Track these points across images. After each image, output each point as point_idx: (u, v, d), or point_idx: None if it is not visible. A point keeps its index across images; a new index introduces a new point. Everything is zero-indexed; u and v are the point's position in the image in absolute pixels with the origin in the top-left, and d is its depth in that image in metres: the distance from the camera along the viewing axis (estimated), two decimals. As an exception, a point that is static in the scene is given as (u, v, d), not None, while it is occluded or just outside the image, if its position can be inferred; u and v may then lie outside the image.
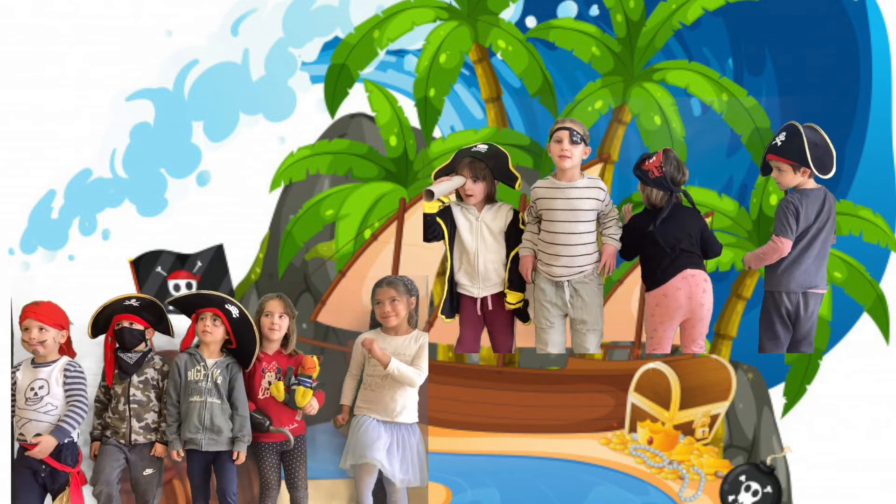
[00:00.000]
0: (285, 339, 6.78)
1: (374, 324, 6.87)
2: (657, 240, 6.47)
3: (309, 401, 6.62)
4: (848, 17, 7.21)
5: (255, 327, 6.67)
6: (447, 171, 6.59)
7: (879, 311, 7.21)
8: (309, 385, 6.64)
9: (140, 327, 6.70)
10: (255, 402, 6.72)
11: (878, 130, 7.22)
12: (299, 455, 6.78)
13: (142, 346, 6.72)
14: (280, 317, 6.73)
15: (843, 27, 7.21)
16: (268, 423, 6.69)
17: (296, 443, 6.75)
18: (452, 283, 6.62)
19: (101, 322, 6.72)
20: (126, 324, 6.67)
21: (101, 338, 6.74)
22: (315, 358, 6.68)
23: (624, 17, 7.29)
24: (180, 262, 7.06)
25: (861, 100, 7.20)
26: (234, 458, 6.60)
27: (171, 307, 6.73)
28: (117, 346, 6.70)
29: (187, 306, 6.71)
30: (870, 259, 7.21)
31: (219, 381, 6.62)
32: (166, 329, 6.78)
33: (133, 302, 6.70)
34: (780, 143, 6.49)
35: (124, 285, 6.95)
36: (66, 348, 6.70)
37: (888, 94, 7.21)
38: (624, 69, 7.29)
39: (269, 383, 6.71)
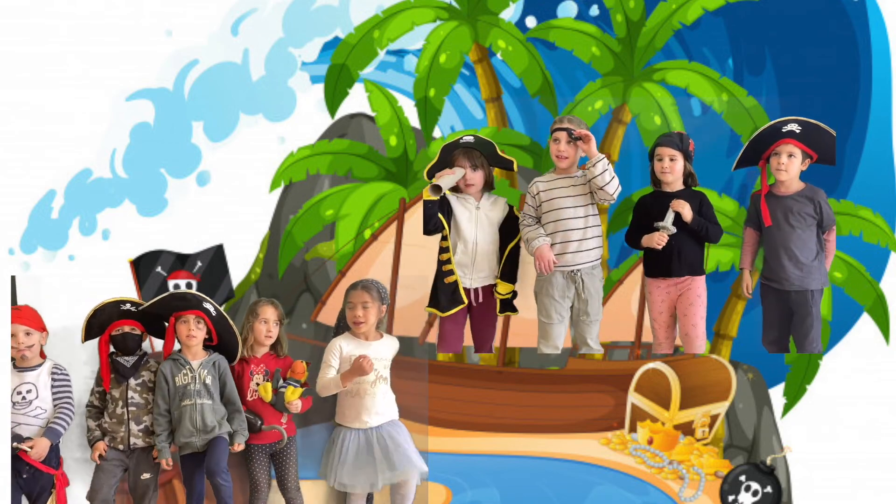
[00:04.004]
0: (275, 344, 6.78)
1: (340, 328, 6.84)
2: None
3: (297, 398, 6.61)
4: (848, 17, 7.21)
5: (232, 323, 6.65)
6: (440, 166, 6.65)
7: (879, 311, 7.21)
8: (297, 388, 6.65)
9: (139, 332, 6.71)
10: (244, 403, 6.71)
11: (878, 130, 7.21)
12: (289, 455, 6.76)
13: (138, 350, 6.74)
14: (275, 324, 6.73)
15: (843, 27, 7.21)
16: (259, 422, 6.67)
17: (286, 443, 6.74)
18: (441, 276, 6.64)
19: (95, 326, 6.70)
20: (127, 329, 6.67)
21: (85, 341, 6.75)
22: (304, 363, 6.68)
23: (624, 17, 7.29)
24: (180, 262, 7.05)
25: (861, 100, 7.19)
26: (234, 448, 6.59)
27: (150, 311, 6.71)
28: (112, 350, 6.69)
29: (164, 310, 6.67)
30: (870, 259, 7.21)
31: (208, 381, 6.60)
32: (163, 333, 6.76)
33: (131, 307, 6.69)
34: (798, 131, 6.53)
35: (124, 285, 6.95)
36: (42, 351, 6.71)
37: (888, 94, 7.21)
38: (624, 69, 7.29)
39: (258, 384, 6.70)
